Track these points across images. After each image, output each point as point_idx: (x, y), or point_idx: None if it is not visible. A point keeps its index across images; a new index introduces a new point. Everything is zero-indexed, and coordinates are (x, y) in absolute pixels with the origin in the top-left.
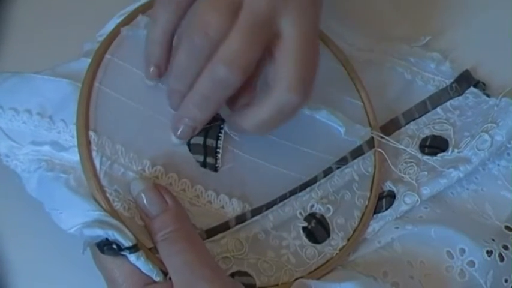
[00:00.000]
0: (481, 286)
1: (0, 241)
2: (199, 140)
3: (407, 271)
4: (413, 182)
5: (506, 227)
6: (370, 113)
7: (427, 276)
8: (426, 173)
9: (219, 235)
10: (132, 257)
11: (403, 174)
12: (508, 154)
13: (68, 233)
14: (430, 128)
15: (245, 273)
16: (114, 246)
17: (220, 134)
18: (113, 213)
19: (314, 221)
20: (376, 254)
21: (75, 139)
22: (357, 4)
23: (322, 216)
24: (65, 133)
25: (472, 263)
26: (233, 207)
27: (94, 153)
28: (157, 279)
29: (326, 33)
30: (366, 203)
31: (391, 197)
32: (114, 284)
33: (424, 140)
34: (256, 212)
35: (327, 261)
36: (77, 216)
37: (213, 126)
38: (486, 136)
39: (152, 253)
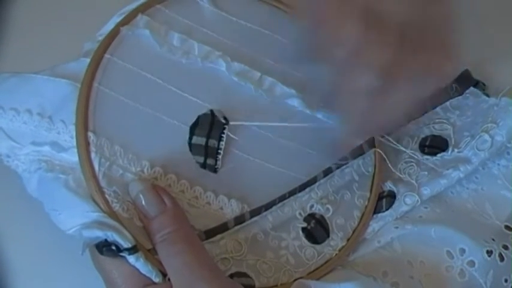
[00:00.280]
0: (481, 286)
1: (0, 241)
2: (201, 140)
3: (407, 271)
4: (414, 182)
5: (506, 227)
6: None
7: (427, 276)
8: (426, 173)
9: (218, 236)
10: (131, 258)
11: (403, 174)
12: (508, 153)
13: (67, 234)
14: (430, 127)
15: (244, 274)
16: (113, 247)
17: (222, 135)
18: (112, 214)
19: (313, 221)
20: (376, 254)
21: (75, 140)
22: None
23: (322, 216)
24: (65, 134)
25: (472, 263)
26: (232, 208)
27: (93, 155)
28: (156, 280)
29: None
30: (366, 203)
31: (391, 197)
32: (113, 285)
33: (424, 139)
34: (255, 212)
35: (326, 262)
36: (76, 217)
37: (215, 127)
38: (486, 136)
39: (151, 254)
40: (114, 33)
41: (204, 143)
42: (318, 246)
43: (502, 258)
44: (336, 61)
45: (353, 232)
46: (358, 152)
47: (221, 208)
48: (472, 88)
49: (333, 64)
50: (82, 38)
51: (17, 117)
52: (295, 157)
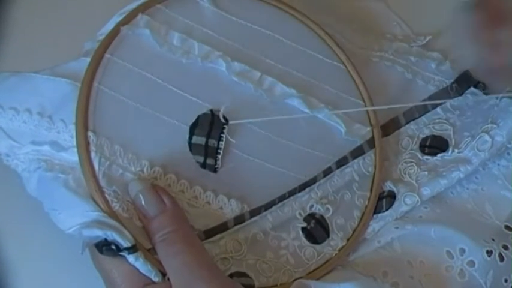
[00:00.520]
0: (481, 286)
1: (0, 241)
2: (201, 140)
3: (407, 271)
4: (414, 182)
5: (506, 227)
6: (370, 112)
7: (427, 276)
8: (426, 173)
9: (218, 236)
10: (130, 258)
11: (403, 175)
12: (508, 154)
13: (67, 233)
14: (430, 128)
15: (244, 274)
16: (113, 247)
17: (222, 135)
18: (112, 214)
19: (313, 221)
20: (376, 254)
21: (74, 139)
22: (357, 3)
23: (322, 216)
24: (64, 133)
25: (472, 263)
26: (232, 208)
27: (93, 154)
28: (155, 279)
29: (327, 32)
30: (366, 203)
31: (392, 197)
32: (112, 285)
33: (424, 140)
34: (255, 212)
35: (326, 262)
36: (76, 216)
37: (215, 127)
38: (486, 137)
39: (151, 254)
40: (114, 33)
41: (204, 143)
42: (317, 246)
43: (502, 258)
44: None
45: (353, 232)
46: (358, 152)
47: (221, 208)
48: (472, 88)
49: None
50: (82, 38)
51: (16, 117)
52: (295, 157)
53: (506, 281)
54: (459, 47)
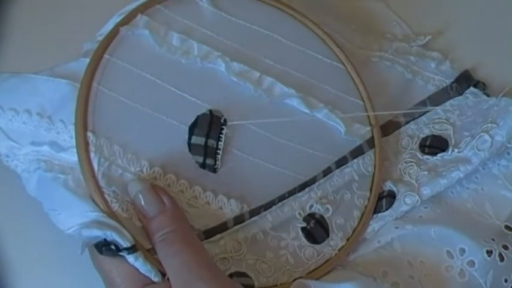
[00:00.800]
0: (481, 286)
1: (0, 241)
2: (200, 140)
3: (407, 271)
4: (414, 182)
5: (506, 227)
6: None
7: (427, 276)
8: (426, 172)
9: (217, 236)
10: (130, 258)
11: (403, 174)
12: (508, 153)
13: (67, 234)
14: (429, 127)
15: (244, 274)
16: (113, 247)
17: (221, 135)
18: (111, 214)
19: (313, 221)
20: (376, 253)
21: (74, 140)
22: (357, 2)
23: (322, 216)
24: (64, 133)
25: (472, 263)
26: (231, 208)
27: (92, 155)
28: (155, 279)
29: (327, 31)
30: (366, 203)
31: (391, 197)
32: (112, 285)
33: (424, 139)
34: (255, 212)
35: (326, 262)
36: (75, 216)
37: (214, 127)
38: (486, 136)
39: (150, 254)
40: (113, 33)
41: (203, 143)
42: (317, 246)
43: (502, 258)
44: None
45: (353, 232)
46: (358, 152)
47: (220, 208)
48: (472, 88)
49: None
50: (82, 38)
51: (16, 117)
52: (294, 157)
53: (506, 281)
54: None
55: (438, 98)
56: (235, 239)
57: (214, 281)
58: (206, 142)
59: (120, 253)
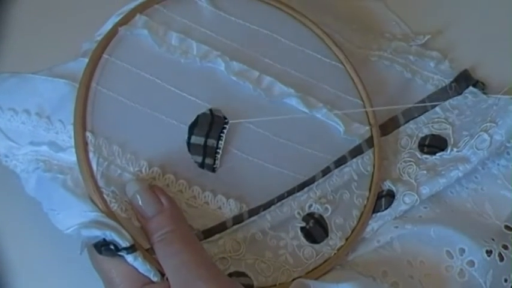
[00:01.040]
0: (481, 286)
1: (0, 241)
2: (199, 140)
3: (407, 271)
4: (413, 181)
5: (506, 227)
6: (369, 112)
7: (426, 276)
8: (425, 172)
9: (216, 236)
10: (129, 258)
11: (402, 174)
12: (508, 153)
13: (66, 234)
14: (429, 127)
15: (243, 274)
16: (112, 247)
17: (222, 134)
18: (110, 214)
19: (312, 221)
20: (375, 253)
21: (73, 140)
22: (356, 2)
23: (321, 216)
24: (63, 133)
25: (471, 263)
26: (230, 208)
27: (91, 155)
28: (154, 279)
29: (326, 31)
30: (365, 202)
31: (391, 196)
32: (111, 285)
33: (423, 139)
34: (254, 212)
35: (325, 261)
36: (74, 217)
37: (215, 126)
38: (485, 135)
39: (149, 254)
40: (112, 33)
41: (202, 143)
42: (316, 246)
43: (501, 258)
44: None
45: (352, 231)
46: (357, 152)
47: (219, 208)
48: (471, 88)
49: None
50: (80, 38)
51: (15, 117)
52: (293, 157)
53: (506, 280)
54: None
55: (437, 97)
56: (234, 239)
57: (213, 281)
58: (206, 142)
59: (119, 253)
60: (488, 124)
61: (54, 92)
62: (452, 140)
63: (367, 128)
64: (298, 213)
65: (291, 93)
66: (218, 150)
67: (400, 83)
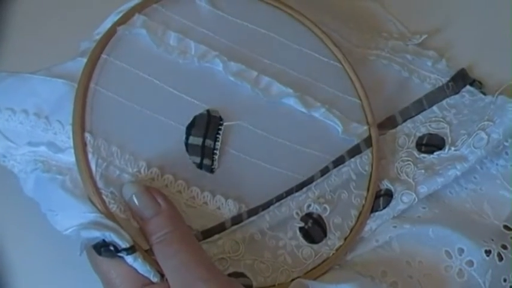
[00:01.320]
0: (480, 286)
1: (0, 241)
2: (197, 140)
3: (406, 271)
4: (411, 180)
5: (505, 227)
6: (367, 111)
7: (425, 276)
8: (423, 171)
9: (215, 236)
10: (129, 259)
11: (400, 173)
12: (506, 153)
13: (64, 234)
14: (426, 126)
15: (242, 274)
16: (111, 248)
17: (218, 135)
18: (109, 215)
19: (311, 221)
20: (374, 253)
21: (71, 140)
22: (354, 2)
23: (319, 216)
24: (61, 134)
25: (470, 263)
26: (229, 208)
27: (90, 155)
28: (154, 280)
29: (324, 30)
30: (363, 202)
31: (388, 195)
32: (111, 286)
33: (421, 138)
34: (253, 212)
35: (323, 261)
36: (73, 218)
37: (212, 127)
38: (482, 134)
39: (148, 255)
40: (110, 33)
41: (200, 143)
42: (315, 246)
43: (500, 258)
44: None
45: (350, 231)
46: (355, 151)
47: (218, 208)
48: (468, 87)
49: None
50: (79, 37)
51: (13, 117)
52: (292, 156)
53: (505, 280)
54: None
55: (435, 96)
56: (233, 239)
57: (213, 281)
58: (203, 142)
59: (119, 254)
60: (485, 123)
61: (53, 92)
62: (449, 139)
63: (366, 127)
64: (297, 213)
65: (289, 93)
66: (215, 151)
67: (398, 82)
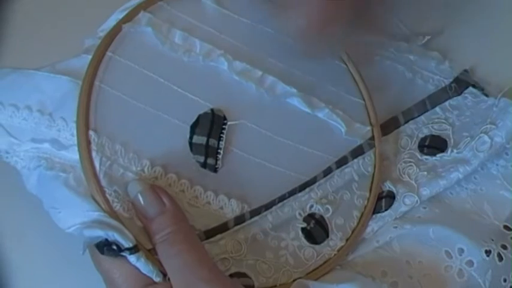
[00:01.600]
0: (480, 286)
1: (0, 241)
2: (201, 139)
3: (406, 271)
4: (413, 182)
5: (505, 227)
6: (371, 112)
7: (425, 276)
8: (425, 173)
9: (218, 236)
10: (132, 258)
11: (402, 175)
12: (507, 154)
13: (68, 232)
14: (428, 127)
15: (243, 275)
16: (114, 247)
17: (222, 135)
18: (113, 214)
19: (313, 221)
20: (374, 253)
21: (75, 138)
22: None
23: (321, 216)
24: (65, 131)
25: (470, 263)
26: (232, 208)
27: (94, 154)
28: (157, 279)
29: None
30: (365, 203)
31: (391, 197)
32: (113, 285)
33: (423, 139)
34: (255, 212)
35: (325, 262)
36: (76, 216)
37: (216, 126)
38: (486, 137)
39: (151, 254)
40: (116, 31)
41: (204, 142)
42: (317, 247)
43: (500, 258)
44: None
45: (352, 232)
46: (359, 152)
47: (221, 208)
48: (471, 88)
49: None
50: (83, 34)
51: (16, 114)
52: (295, 157)
53: (505, 280)
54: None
55: (437, 97)
56: (236, 239)
57: (215, 281)
58: (207, 141)
59: (122, 253)
60: (488, 126)
61: (57, 89)
62: (452, 141)
63: (369, 128)
64: (299, 213)
65: (293, 93)
66: (219, 151)
67: (402, 82)
